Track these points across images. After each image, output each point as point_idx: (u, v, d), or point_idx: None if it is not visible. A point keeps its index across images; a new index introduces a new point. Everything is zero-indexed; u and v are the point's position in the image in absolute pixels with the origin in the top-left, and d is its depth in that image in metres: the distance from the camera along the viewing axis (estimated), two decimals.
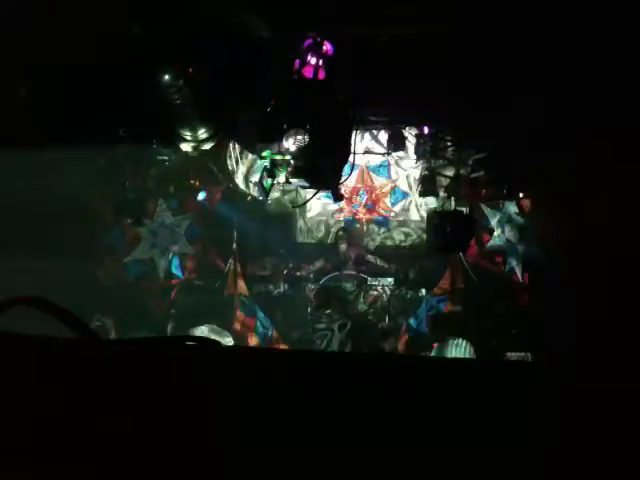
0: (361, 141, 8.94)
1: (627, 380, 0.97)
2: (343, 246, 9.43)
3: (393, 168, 10.08)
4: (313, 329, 8.70)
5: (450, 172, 7.69)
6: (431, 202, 8.34)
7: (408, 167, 9.83)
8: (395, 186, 10.15)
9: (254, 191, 8.62)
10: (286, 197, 9.61)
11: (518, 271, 8.44)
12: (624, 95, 3.99)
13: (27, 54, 3.69)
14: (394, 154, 8.82)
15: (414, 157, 8.27)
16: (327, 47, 4.44)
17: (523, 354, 7.17)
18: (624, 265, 4.51)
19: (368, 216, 10.22)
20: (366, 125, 6.97)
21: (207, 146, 4.78)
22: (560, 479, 0.78)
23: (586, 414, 0.88)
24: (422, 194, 8.36)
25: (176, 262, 8.93)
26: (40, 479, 0.77)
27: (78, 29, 3.57)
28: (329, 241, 10.21)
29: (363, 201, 10.20)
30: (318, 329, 8.66)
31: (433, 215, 7.93)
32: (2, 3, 3.50)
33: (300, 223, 10.36)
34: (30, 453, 0.81)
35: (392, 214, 10.25)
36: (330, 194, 5.47)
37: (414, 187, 9.73)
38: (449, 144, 7.14)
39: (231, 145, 7.81)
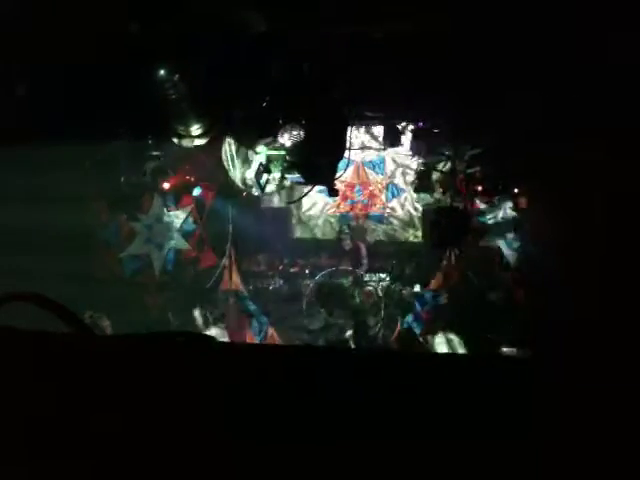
0: (357, 137, 8.94)
1: (625, 379, 0.97)
2: (347, 242, 9.44)
3: (389, 164, 10.08)
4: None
5: (446, 168, 7.69)
6: (427, 198, 8.35)
7: (404, 163, 9.83)
8: (391, 182, 10.16)
9: (249, 187, 8.60)
10: (281, 193, 9.61)
11: (513, 267, 8.45)
12: (622, 93, 4.00)
13: (23, 51, 3.67)
14: (390, 150, 8.82)
15: (410, 153, 8.28)
16: (324, 42, 4.44)
17: (519, 351, 7.18)
18: (621, 262, 4.52)
19: (363, 212, 10.22)
20: (362, 121, 6.96)
21: (202, 141, 4.77)
22: (559, 477, 0.78)
23: (584, 412, 0.88)
24: (418, 190, 8.38)
25: (171, 257, 8.93)
26: (35, 473, 0.77)
27: (74, 26, 3.55)
28: (324, 237, 10.23)
29: (359, 197, 10.21)
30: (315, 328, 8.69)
31: (428, 211, 7.93)
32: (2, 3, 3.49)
33: (295, 219, 10.36)
34: (25, 447, 0.81)
35: (387, 210, 10.25)
36: (325, 190, 5.47)
37: (410, 183, 9.73)
38: (445, 140, 7.13)
39: (226, 140, 7.79)
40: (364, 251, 9.47)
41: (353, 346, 8.33)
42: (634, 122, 4.08)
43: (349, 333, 8.52)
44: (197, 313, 8.04)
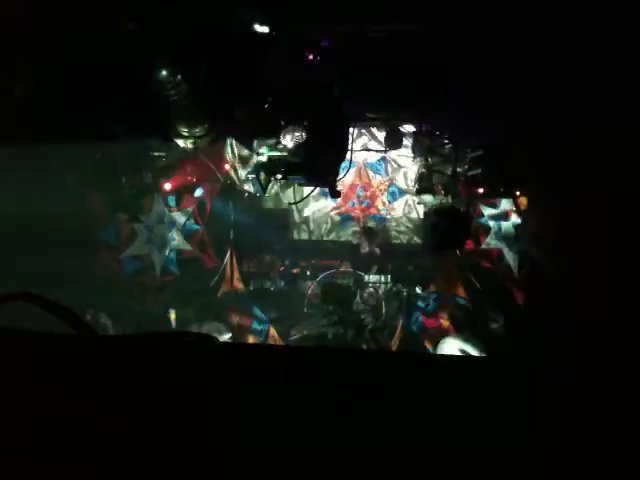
0: (358, 138, 8.94)
1: (627, 379, 0.97)
2: (365, 245, 9.44)
3: (390, 165, 10.08)
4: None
5: (447, 169, 7.69)
6: (428, 199, 8.33)
7: (405, 164, 9.83)
8: (392, 183, 10.16)
9: (251, 187, 8.60)
10: (283, 194, 9.62)
11: (514, 269, 8.44)
12: (622, 93, 4.00)
13: (22, 52, 3.68)
14: (391, 151, 8.82)
15: (411, 154, 8.28)
16: (325, 44, 4.44)
17: (520, 352, 7.18)
18: (622, 263, 4.52)
19: (365, 213, 10.22)
20: (363, 122, 6.96)
21: (204, 142, 4.77)
22: (561, 477, 0.78)
23: (586, 414, 0.88)
24: (419, 191, 8.36)
25: (172, 258, 8.92)
26: (39, 475, 0.77)
27: (75, 26, 3.56)
28: (326, 238, 10.24)
29: (360, 198, 10.21)
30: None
31: (429, 212, 7.92)
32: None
33: (296, 220, 10.36)
34: (28, 449, 0.81)
35: (389, 211, 10.25)
36: (327, 191, 5.47)
37: (411, 184, 9.72)
38: (446, 141, 7.13)
39: (228, 141, 7.80)
40: (379, 254, 9.49)
41: (354, 347, 8.33)
42: (635, 122, 4.07)
43: (351, 334, 8.52)
44: (198, 314, 8.04)
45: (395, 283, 9.37)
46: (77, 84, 3.90)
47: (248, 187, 8.66)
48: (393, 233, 10.26)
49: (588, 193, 5.28)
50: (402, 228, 10.25)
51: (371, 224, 10.09)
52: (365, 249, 9.46)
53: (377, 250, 9.52)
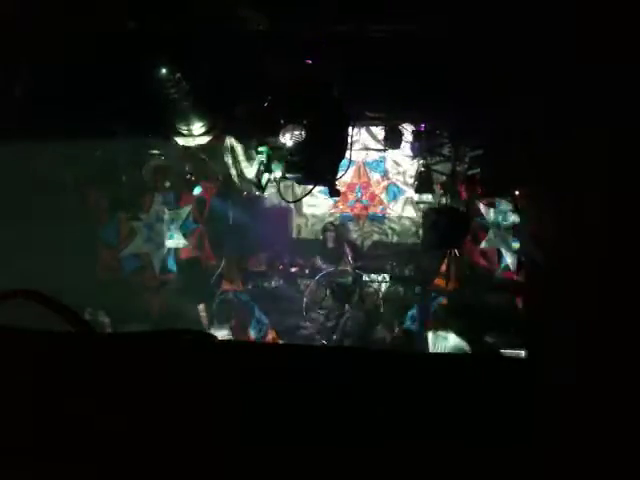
0: (358, 137, 8.94)
1: (627, 379, 0.97)
2: (330, 241, 9.47)
3: (389, 164, 10.08)
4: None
5: (446, 169, 7.70)
6: (427, 199, 8.34)
7: (404, 164, 9.83)
8: (391, 182, 10.16)
9: (250, 186, 8.60)
10: (282, 192, 9.60)
11: (513, 268, 8.44)
12: (622, 93, 4.00)
13: (23, 51, 3.68)
14: (390, 150, 8.82)
15: (410, 154, 8.28)
16: (325, 44, 4.44)
17: (519, 352, 7.17)
18: (622, 263, 4.52)
19: (364, 212, 10.22)
20: (363, 121, 6.96)
21: (203, 140, 4.77)
22: (561, 477, 0.78)
23: (586, 414, 0.88)
24: (418, 191, 8.37)
25: (171, 257, 8.92)
26: (39, 475, 0.77)
27: (75, 26, 3.56)
28: (322, 237, 10.25)
29: (359, 197, 10.21)
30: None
31: (429, 212, 7.93)
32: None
33: (296, 219, 10.36)
34: (26, 448, 0.81)
35: (388, 210, 10.25)
36: (326, 190, 5.47)
37: (410, 184, 9.73)
38: (445, 141, 7.14)
39: (228, 140, 7.79)
40: (348, 251, 9.49)
41: (353, 346, 8.33)
42: (635, 122, 4.08)
43: (349, 333, 8.54)
44: (197, 312, 8.03)
45: (394, 282, 9.37)
46: (77, 83, 3.89)
47: (247, 185, 8.65)
48: (392, 232, 10.26)
49: (588, 193, 5.28)
50: (401, 227, 10.25)
51: (342, 222, 10.12)
52: (330, 244, 9.48)
53: (346, 247, 9.52)
